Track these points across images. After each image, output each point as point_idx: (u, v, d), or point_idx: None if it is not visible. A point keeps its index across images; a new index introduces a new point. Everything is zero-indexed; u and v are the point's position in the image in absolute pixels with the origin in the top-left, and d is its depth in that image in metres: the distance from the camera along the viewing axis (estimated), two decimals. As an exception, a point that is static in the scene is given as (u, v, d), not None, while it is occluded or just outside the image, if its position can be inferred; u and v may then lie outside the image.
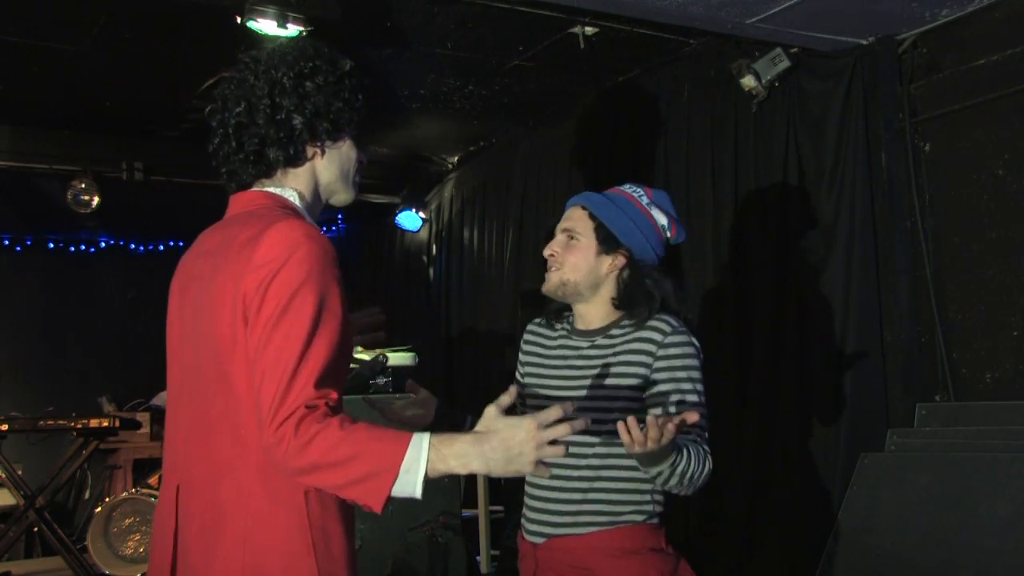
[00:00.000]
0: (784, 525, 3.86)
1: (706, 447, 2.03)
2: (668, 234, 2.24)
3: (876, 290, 3.76)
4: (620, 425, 1.78)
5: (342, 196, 1.83)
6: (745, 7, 3.55)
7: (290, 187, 1.74)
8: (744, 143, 4.25)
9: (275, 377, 1.47)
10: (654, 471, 1.91)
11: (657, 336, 2.09)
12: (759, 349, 4.07)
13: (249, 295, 1.53)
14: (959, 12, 3.58)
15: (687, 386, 2.06)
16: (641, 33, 4.07)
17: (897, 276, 3.74)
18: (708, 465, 2.00)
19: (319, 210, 1.81)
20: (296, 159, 1.73)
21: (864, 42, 3.84)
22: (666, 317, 2.13)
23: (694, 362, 2.09)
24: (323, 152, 1.76)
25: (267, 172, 1.74)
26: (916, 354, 3.71)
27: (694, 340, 2.12)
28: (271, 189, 1.73)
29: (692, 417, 1.82)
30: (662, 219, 2.23)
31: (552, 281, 2.22)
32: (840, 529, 3.46)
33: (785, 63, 3.95)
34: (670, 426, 1.76)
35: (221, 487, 1.57)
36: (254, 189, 1.74)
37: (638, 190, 2.24)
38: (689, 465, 1.93)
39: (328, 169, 1.78)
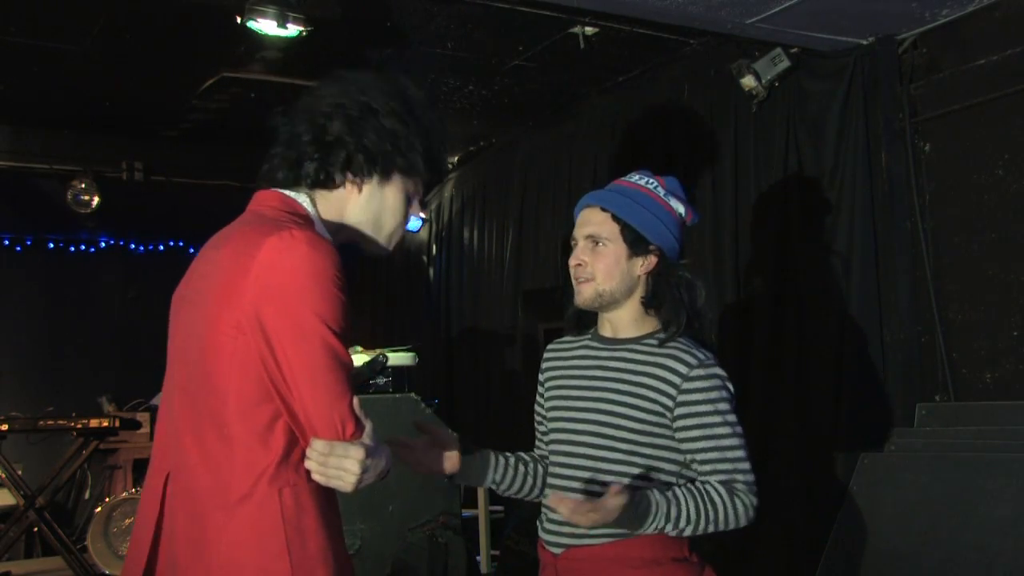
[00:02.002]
0: (784, 525, 3.86)
1: (740, 480, 1.97)
2: (686, 220, 2.15)
3: (876, 290, 3.76)
4: (552, 499, 1.84)
5: (369, 246, 1.78)
6: (745, 7, 3.55)
7: (305, 193, 1.73)
8: (744, 143, 4.25)
9: (318, 393, 1.52)
10: (647, 529, 1.89)
11: (682, 368, 2.00)
12: (759, 349, 4.08)
13: (246, 302, 1.53)
14: (959, 12, 3.58)
15: (713, 419, 1.98)
16: (641, 33, 4.07)
17: (897, 276, 3.74)
18: (740, 502, 1.94)
19: (339, 238, 1.75)
20: (326, 183, 1.72)
21: (864, 42, 3.84)
22: (694, 348, 2.03)
23: (720, 394, 2.00)
24: (360, 189, 1.73)
25: (295, 182, 1.73)
26: (916, 354, 3.71)
27: (719, 371, 2.02)
28: (288, 192, 1.72)
29: (613, 495, 1.80)
30: (680, 207, 2.13)
31: (586, 294, 2.08)
32: (840, 529, 3.46)
33: (785, 63, 3.95)
34: (602, 504, 1.78)
35: (205, 480, 1.58)
36: (272, 190, 1.73)
37: (651, 181, 2.13)
38: (699, 509, 1.89)
39: (362, 209, 1.74)
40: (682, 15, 3.68)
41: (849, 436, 3.72)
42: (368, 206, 1.74)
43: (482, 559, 4.49)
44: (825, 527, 3.53)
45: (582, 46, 4.21)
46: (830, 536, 3.48)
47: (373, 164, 1.71)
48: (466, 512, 4.35)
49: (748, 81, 4.04)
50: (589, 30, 4.13)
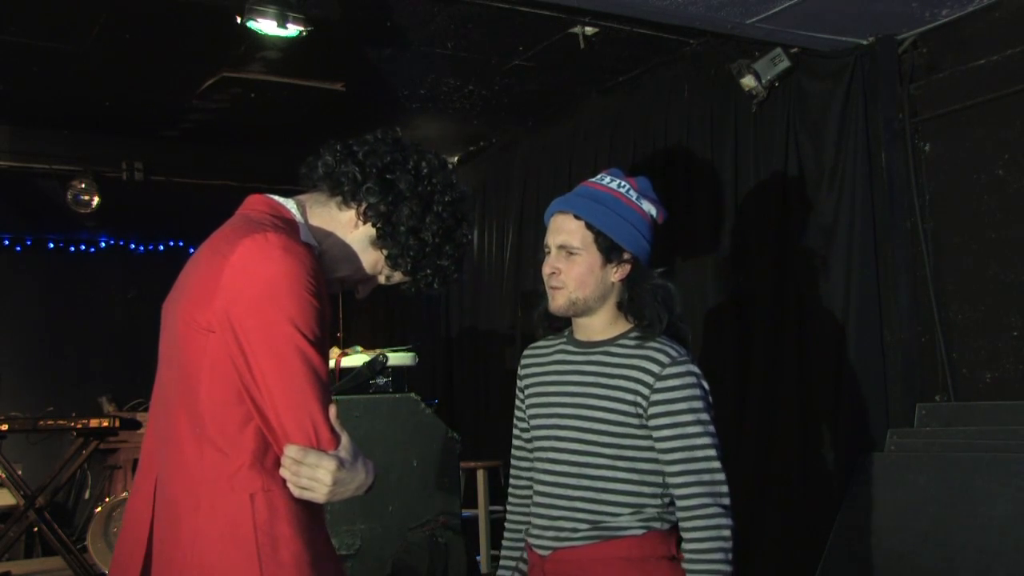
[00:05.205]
0: (784, 525, 3.86)
1: (707, 481, 1.97)
2: (657, 220, 2.13)
3: (876, 290, 3.76)
4: None
5: (336, 282, 1.77)
6: (745, 7, 3.55)
7: (296, 200, 1.72)
8: (744, 143, 4.25)
9: (290, 397, 1.51)
10: None
11: (655, 368, 1.99)
12: (759, 349, 4.08)
13: (218, 303, 1.52)
14: (959, 12, 3.58)
15: (687, 418, 1.98)
16: (641, 33, 4.07)
17: (897, 276, 3.74)
18: (722, 534, 1.96)
19: (327, 261, 1.74)
20: (334, 189, 1.72)
21: (864, 42, 3.84)
22: (667, 346, 2.03)
23: (694, 392, 1.99)
24: (356, 224, 1.73)
25: (313, 184, 1.75)
26: (916, 354, 3.71)
27: (693, 368, 2.01)
28: (275, 197, 1.72)
29: None
30: (652, 209, 2.10)
31: (560, 301, 2.07)
32: (840, 529, 3.46)
33: (785, 63, 3.95)
34: None
35: (181, 482, 1.56)
36: (262, 195, 1.73)
37: (623, 183, 2.09)
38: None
39: (352, 242, 1.74)
40: (682, 15, 3.68)
41: (849, 436, 3.72)
42: (353, 244, 1.74)
43: (482, 559, 4.50)
44: (825, 527, 3.53)
45: (582, 46, 4.21)
46: (830, 536, 3.48)
47: (385, 228, 1.71)
48: (466, 512, 4.34)
49: (748, 81, 4.04)
50: (589, 30, 4.13)
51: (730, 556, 1.96)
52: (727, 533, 1.97)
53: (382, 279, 1.81)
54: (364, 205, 1.72)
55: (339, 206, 1.74)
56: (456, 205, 1.77)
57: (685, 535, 1.98)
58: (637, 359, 2.03)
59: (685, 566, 1.97)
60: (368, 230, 1.73)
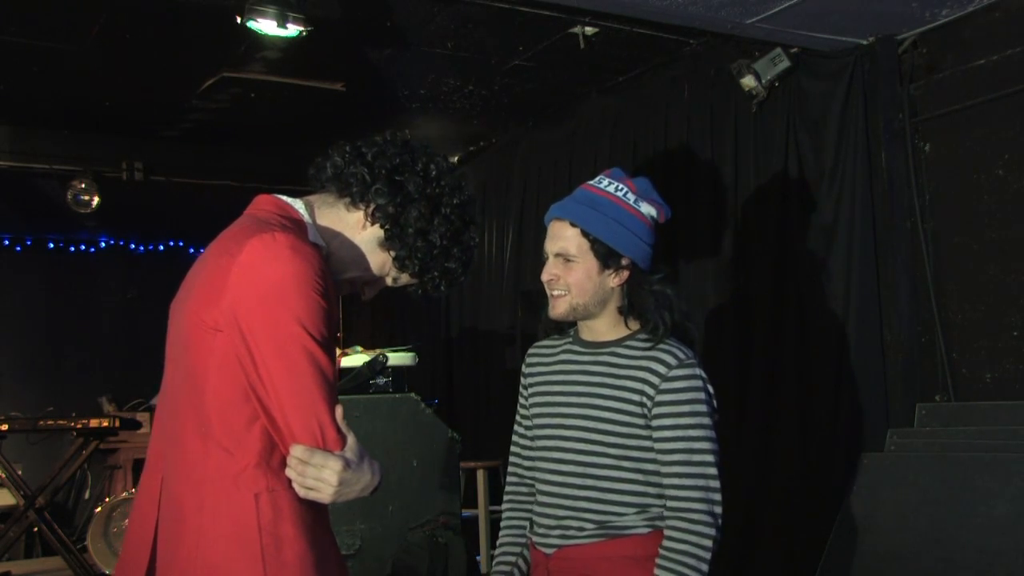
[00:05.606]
0: (784, 525, 3.86)
1: (702, 487, 1.96)
2: (659, 221, 2.13)
3: (876, 290, 3.77)
4: None
5: (344, 283, 1.77)
6: (745, 7, 3.55)
7: (304, 200, 1.72)
8: (744, 143, 4.25)
9: (297, 397, 1.51)
10: None
11: (662, 368, 2.00)
12: (759, 349, 4.08)
13: (225, 303, 1.52)
14: (959, 12, 3.58)
15: (689, 420, 1.98)
16: (641, 33, 4.07)
17: (897, 276, 3.74)
18: (702, 543, 1.94)
19: (335, 261, 1.73)
20: (342, 190, 1.72)
21: (864, 42, 3.84)
22: (676, 347, 2.03)
23: (699, 395, 2.00)
24: (364, 225, 1.73)
25: (321, 184, 1.75)
26: (916, 354, 3.71)
27: (700, 372, 2.02)
28: (283, 197, 1.72)
29: None
30: (651, 211, 2.09)
31: (560, 308, 2.09)
32: (840, 529, 3.46)
33: (785, 63, 3.95)
34: None
35: (186, 482, 1.56)
36: (270, 195, 1.73)
37: (621, 187, 2.08)
38: None
39: (360, 243, 1.74)
40: (682, 15, 3.68)
41: (849, 436, 3.72)
42: (362, 244, 1.74)
43: (482, 559, 4.49)
44: (825, 527, 3.53)
45: (582, 46, 4.21)
46: (830, 536, 3.48)
47: (393, 229, 1.71)
48: (466, 512, 4.35)
49: (748, 81, 4.04)
50: (589, 30, 4.13)
51: (704, 566, 1.94)
52: (708, 543, 1.95)
53: (389, 280, 1.81)
54: (372, 206, 1.72)
55: (347, 207, 1.74)
56: (464, 208, 1.77)
57: (666, 531, 1.98)
58: (645, 360, 2.03)
59: (656, 560, 1.96)
60: (376, 231, 1.73)
